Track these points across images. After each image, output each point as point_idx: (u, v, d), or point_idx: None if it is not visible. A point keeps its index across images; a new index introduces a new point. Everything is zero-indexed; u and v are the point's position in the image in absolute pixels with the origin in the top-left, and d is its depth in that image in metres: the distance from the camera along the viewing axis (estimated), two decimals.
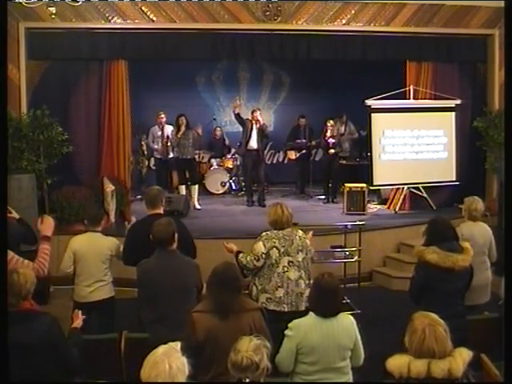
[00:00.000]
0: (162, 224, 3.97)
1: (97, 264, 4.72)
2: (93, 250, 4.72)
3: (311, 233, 4.92)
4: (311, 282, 4.49)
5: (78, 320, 3.67)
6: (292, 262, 4.44)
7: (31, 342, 3.06)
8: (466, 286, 4.27)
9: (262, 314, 3.42)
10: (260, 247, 4.44)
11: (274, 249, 4.42)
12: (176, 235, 3.98)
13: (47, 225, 4.07)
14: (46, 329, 3.13)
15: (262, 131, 9.21)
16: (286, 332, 3.40)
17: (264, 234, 4.53)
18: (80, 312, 3.75)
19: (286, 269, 4.42)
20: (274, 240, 4.45)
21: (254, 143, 9.24)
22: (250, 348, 2.62)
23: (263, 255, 4.41)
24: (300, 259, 4.47)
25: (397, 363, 2.65)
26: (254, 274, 4.48)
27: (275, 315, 4.17)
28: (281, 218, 4.50)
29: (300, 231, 4.61)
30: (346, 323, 3.44)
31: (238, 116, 9.20)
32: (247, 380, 2.56)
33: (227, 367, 3.21)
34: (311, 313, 3.43)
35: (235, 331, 3.21)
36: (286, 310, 4.38)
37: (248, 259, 4.45)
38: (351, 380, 3.47)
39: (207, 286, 3.44)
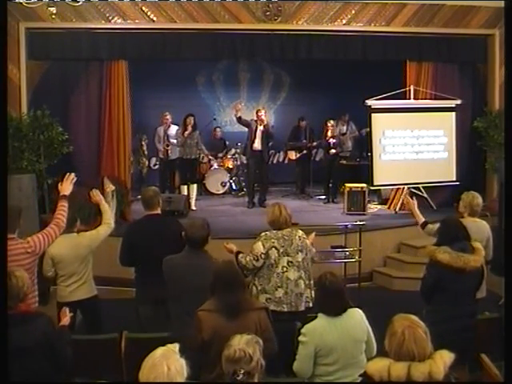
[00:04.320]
0: (197, 226, 3.95)
1: (75, 265, 4.70)
2: (70, 252, 4.69)
3: (314, 234, 4.93)
4: (311, 282, 4.51)
5: (66, 318, 3.65)
6: (291, 262, 4.43)
7: (29, 343, 3.06)
8: (477, 286, 4.28)
9: (266, 313, 3.42)
10: (259, 247, 4.42)
11: (273, 249, 4.41)
12: (209, 237, 3.99)
13: (66, 185, 4.46)
14: (43, 330, 3.14)
15: (266, 132, 9.17)
16: (300, 338, 3.38)
17: (263, 234, 4.52)
18: (67, 309, 3.73)
19: (285, 269, 4.41)
20: (272, 240, 4.44)
21: (258, 144, 9.20)
22: (242, 341, 2.63)
23: (262, 255, 4.40)
24: (300, 259, 4.46)
25: (377, 367, 2.62)
26: (254, 275, 4.47)
27: (275, 315, 4.15)
28: (278, 218, 4.49)
29: (300, 231, 4.60)
30: (357, 317, 3.47)
31: (239, 119, 9.12)
32: (242, 371, 2.53)
33: None
34: (321, 314, 3.42)
35: (242, 330, 3.20)
36: (285, 310, 4.37)
37: (247, 259, 4.43)
38: None
39: (211, 286, 3.40)
